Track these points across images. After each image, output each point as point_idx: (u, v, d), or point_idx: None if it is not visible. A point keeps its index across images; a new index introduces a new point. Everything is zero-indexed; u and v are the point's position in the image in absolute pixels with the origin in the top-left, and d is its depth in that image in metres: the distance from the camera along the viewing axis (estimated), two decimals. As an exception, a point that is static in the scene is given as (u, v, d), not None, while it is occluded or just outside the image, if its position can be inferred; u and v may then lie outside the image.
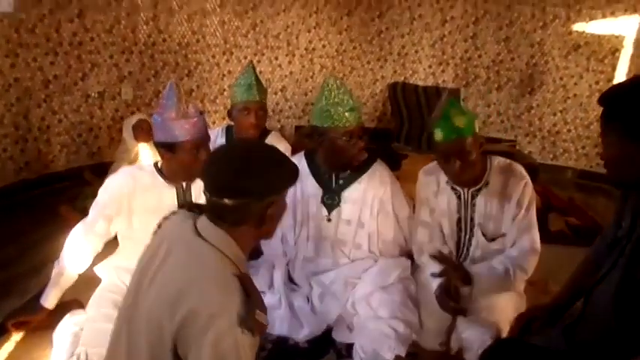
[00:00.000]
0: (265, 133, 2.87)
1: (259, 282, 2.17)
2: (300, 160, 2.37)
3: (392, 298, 2.16)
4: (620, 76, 4.91)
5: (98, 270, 2.19)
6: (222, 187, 1.31)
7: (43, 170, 4.28)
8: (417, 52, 5.64)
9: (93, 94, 4.52)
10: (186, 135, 1.94)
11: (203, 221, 1.35)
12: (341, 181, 2.36)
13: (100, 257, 2.17)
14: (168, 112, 1.94)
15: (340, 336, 2.25)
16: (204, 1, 4.94)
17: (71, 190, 3.95)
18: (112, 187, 2.05)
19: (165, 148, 1.98)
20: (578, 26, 5.06)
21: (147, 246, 1.42)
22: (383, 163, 2.42)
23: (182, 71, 4.98)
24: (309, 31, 5.43)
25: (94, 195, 2.09)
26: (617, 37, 4.93)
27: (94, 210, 2.06)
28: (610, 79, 4.95)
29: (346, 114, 2.19)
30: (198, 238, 1.30)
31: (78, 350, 1.88)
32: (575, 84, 5.19)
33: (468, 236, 2.16)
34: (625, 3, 4.84)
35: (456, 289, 1.97)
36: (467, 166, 1.98)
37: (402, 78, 5.66)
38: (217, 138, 2.86)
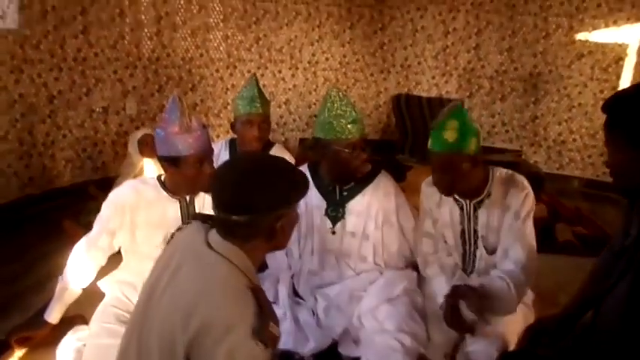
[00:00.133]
0: (269, 145, 2.86)
1: (264, 296, 2.15)
2: (303, 172, 2.36)
3: (398, 311, 2.13)
4: (625, 84, 4.91)
5: (102, 285, 2.18)
6: (229, 205, 1.30)
7: (48, 185, 4.30)
8: (420, 63, 5.65)
9: (97, 109, 4.55)
10: (189, 149, 1.93)
11: (214, 234, 1.34)
12: (345, 193, 2.34)
13: (104, 272, 2.16)
14: (171, 127, 1.93)
15: (346, 350, 2.21)
16: (208, 16, 4.98)
17: (76, 206, 3.94)
18: (114, 201, 2.04)
19: (169, 162, 1.97)
20: (581, 35, 5.07)
21: (159, 256, 1.42)
22: (387, 175, 2.41)
23: (186, 86, 5.01)
24: (312, 45, 5.46)
25: (99, 210, 2.09)
26: (620, 45, 4.93)
27: (97, 224, 2.05)
28: (614, 88, 4.94)
29: (349, 126, 2.19)
30: (211, 250, 1.30)
31: (81, 366, 1.86)
32: (580, 93, 5.18)
33: (472, 248, 2.14)
34: (627, 12, 4.86)
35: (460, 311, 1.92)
36: (457, 179, 1.96)
37: (406, 90, 5.68)
38: (221, 151, 2.86)
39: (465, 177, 1.97)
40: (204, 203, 2.10)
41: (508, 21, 5.30)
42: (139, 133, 3.84)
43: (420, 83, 5.69)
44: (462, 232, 2.14)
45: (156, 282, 1.34)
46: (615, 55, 4.98)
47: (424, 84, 5.68)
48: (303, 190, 1.40)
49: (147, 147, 3.72)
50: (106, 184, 3.87)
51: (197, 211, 2.08)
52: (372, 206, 2.32)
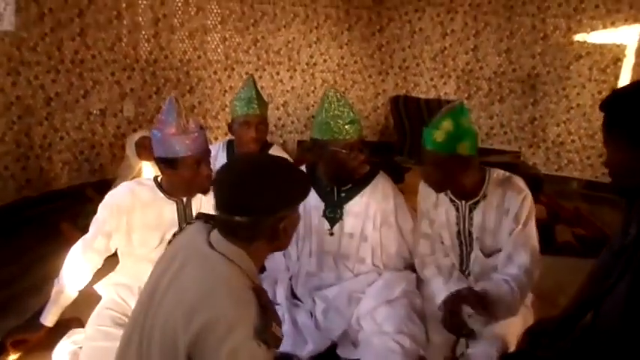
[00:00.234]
0: (267, 146, 2.85)
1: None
2: (301, 174, 2.35)
3: (397, 313, 2.12)
4: (623, 84, 4.89)
5: (98, 287, 2.16)
6: (231, 205, 1.30)
7: (45, 188, 4.28)
8: (418, 65, 5.65)
9: (94, 112, 4.54)
10: (187, 150, 1.92)
11: (216, 234, 1.34)
12: (343, 195, 2.33)
13: (100, 274, 2.15)
14: (168, 128, 1.92)
15: (345, 352, 2.20)
16: (205, 18, 4.98)
17: (73, 208, 3.92)
18: (110, 203, 2.02)
19: (166, 163, 1.96)
20: (579, 36, 5.07)
21: (160, 256, 1.42)
22: (386, 176, 2.40)
23: (184, 88, 5.00)
24: (310, 46, 5.46)
25: (96, 212, 2.08)
26: (618, 46, 4.94)
27: (93, 226, 2.04)
28: (613, 88, 4.90)
29: (346, 126, 2.18)
30: (213, 250, 1.30)
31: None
32: (578, 94, 5.18)
33: (468, 250, 2.13)
34: (625, 13, 4.86)
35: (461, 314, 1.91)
36: (447, 178, 1.97)
37: (404, 91, 5.67)
38: (218, 153, 2.85)
39: (457, 177, 1.96)
40: (200, 205, 2.09)
41: (506, 22, 5.30)
42: (137, 136, 3.83)
43: (418, 85, 5.69)
44: (458, 233, 2.12)
45: (157, 281, 1.33)
46: (613, 56, 4.98)
47: (422, 85, 5.68)
48: (305, 191, 1.39)
49: (144, 149, 3.70)
50: (104, 187, 3.84)
51: (194, 212, 2.07)
52: (371, 207, 2.31)
